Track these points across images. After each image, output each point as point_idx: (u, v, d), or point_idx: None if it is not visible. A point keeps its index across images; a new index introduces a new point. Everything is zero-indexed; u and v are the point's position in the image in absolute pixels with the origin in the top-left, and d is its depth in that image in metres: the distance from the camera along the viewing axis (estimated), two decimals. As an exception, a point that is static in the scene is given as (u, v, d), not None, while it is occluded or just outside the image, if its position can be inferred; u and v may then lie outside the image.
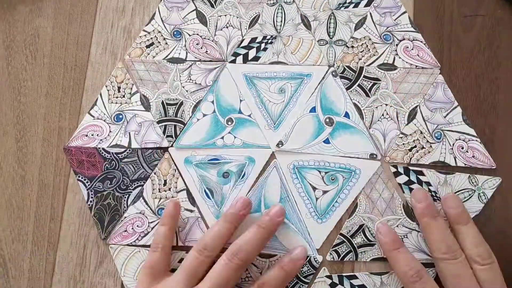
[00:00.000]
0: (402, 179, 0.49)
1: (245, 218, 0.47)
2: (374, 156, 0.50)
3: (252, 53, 0.53)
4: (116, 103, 0.52)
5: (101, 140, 0.51)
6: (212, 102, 0.52)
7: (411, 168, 0.50)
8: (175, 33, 0.54)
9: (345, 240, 0.48)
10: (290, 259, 0.46)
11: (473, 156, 0.49)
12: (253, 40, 0.53)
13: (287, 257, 0.47)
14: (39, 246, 0.51)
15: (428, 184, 0.49)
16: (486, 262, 0.43)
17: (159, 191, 0.50)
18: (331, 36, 0.53)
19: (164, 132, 0.51)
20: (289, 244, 0.49)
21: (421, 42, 0.52)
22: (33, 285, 0.50)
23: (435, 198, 0.49)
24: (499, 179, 0.49)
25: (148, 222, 0.50)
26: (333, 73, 0.52)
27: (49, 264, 0.51)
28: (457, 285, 0.43)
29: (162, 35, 0.53)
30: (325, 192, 0.50)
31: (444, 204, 0.47)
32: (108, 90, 0.53)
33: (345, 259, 0.48)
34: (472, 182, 0.49)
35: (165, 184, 0.51)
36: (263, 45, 0.53)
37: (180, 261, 0.49)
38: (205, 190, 0.50)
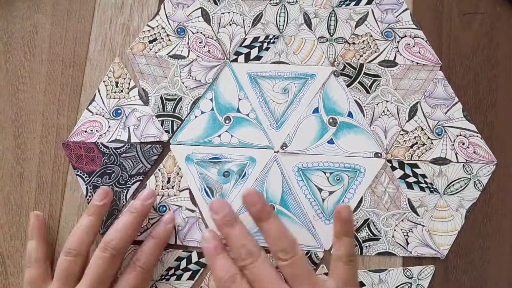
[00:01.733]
0: (398, 173, 0.50)
1: (107, 208, 0.47)
2: (379, 155, 0.50)
3: (254, 53, 0.53)
4: (115, 98, 0.52)
5: (100, 135, 0.51)
6: (211, 99, 0.52)
7: (405, 162, 0.50)
8: (179, 30, 0.53)
9: None
10: (159, 228, 0.46)
11: (474, 152, 0.50)
12: (255, 39, 0.53)
13: (157, 226, 0.46)
14: (38, 243, 0.51)
15: (424, 176, 0.49)
16: (287, 257, 0.41)
17: (162, 188, 0.50)
18: (331, 34, 0.53)
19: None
20: None
21: (423, 39, 0.52)
22: (32, 283, 0.50)
23: (432, 189, 0.49)
24: (493, 165, 0.49)
25: (148, 219, 0.50)
26: (335, 73, 0.52)
27: (48, 262, 0.50)
28: None
29: (165, 31, 0.53)
30: (331, 192, 0.50)
31: (244, 202, 0.43)
32: (106, 85, 0.52)
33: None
34: (467, 171, 0.49)
35: (168, 181, 0.50)
36: (265, 45, 0.53)
37: (177, 259, 0.49)
38: (205, 189, 0.50)
